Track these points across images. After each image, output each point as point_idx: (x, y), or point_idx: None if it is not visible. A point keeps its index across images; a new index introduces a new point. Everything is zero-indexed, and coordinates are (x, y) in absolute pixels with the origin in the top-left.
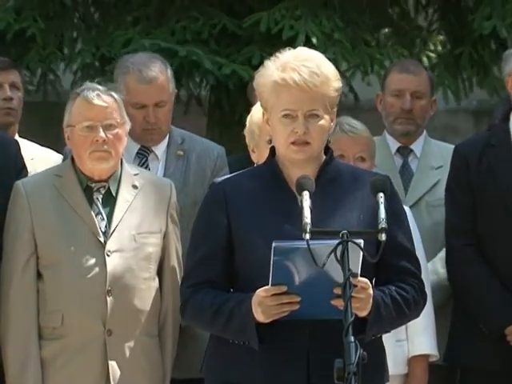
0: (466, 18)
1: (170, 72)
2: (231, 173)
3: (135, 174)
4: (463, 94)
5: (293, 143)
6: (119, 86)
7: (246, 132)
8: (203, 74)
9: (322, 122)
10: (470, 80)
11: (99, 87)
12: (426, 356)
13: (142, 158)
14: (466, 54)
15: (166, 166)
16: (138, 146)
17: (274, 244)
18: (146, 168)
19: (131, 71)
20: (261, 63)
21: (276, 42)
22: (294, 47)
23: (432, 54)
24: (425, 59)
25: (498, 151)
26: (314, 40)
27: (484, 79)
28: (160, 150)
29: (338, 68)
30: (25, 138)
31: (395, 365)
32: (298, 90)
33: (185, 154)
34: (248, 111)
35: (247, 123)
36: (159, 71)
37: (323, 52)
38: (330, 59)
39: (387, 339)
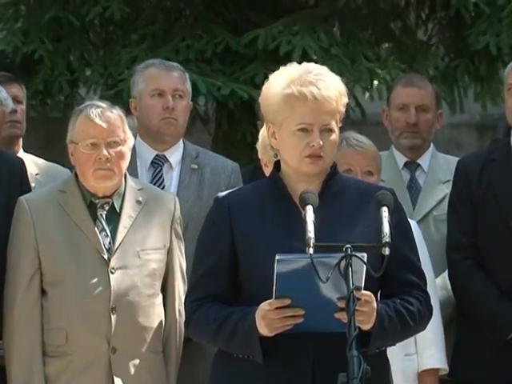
0: (463, 33)
1: (187, 76)
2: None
3: (139, 189)
4: (459, 107)
5: (307, 157)
6: (138, 85)
7: (259, 146)
8: (198, 96)
9: (334, 136)
10: (466, 92)
11: (102, 104)
12: (436, 370)
13: (157, 166)
14: (462, 66)
15: (180, 179)
16: (154, 155)
17: (277, 257)
18: (160, 178)
19: (152, 63)
20: (264, 81)
21: (278, 59)
22: (291, 61)
23: (431, 69)
24: (425, 73)
25: (499, 166)
26: (312, 54)
27: (480, 92)
28: (175, 159)
29: None
30: (30, 152)
31: (405, 379)
32: (314, 103)
33: (199, 167)
34: (252, 129)
35: (260, 137)
36: (178, 67)
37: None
38: None
39: (395, 353)
